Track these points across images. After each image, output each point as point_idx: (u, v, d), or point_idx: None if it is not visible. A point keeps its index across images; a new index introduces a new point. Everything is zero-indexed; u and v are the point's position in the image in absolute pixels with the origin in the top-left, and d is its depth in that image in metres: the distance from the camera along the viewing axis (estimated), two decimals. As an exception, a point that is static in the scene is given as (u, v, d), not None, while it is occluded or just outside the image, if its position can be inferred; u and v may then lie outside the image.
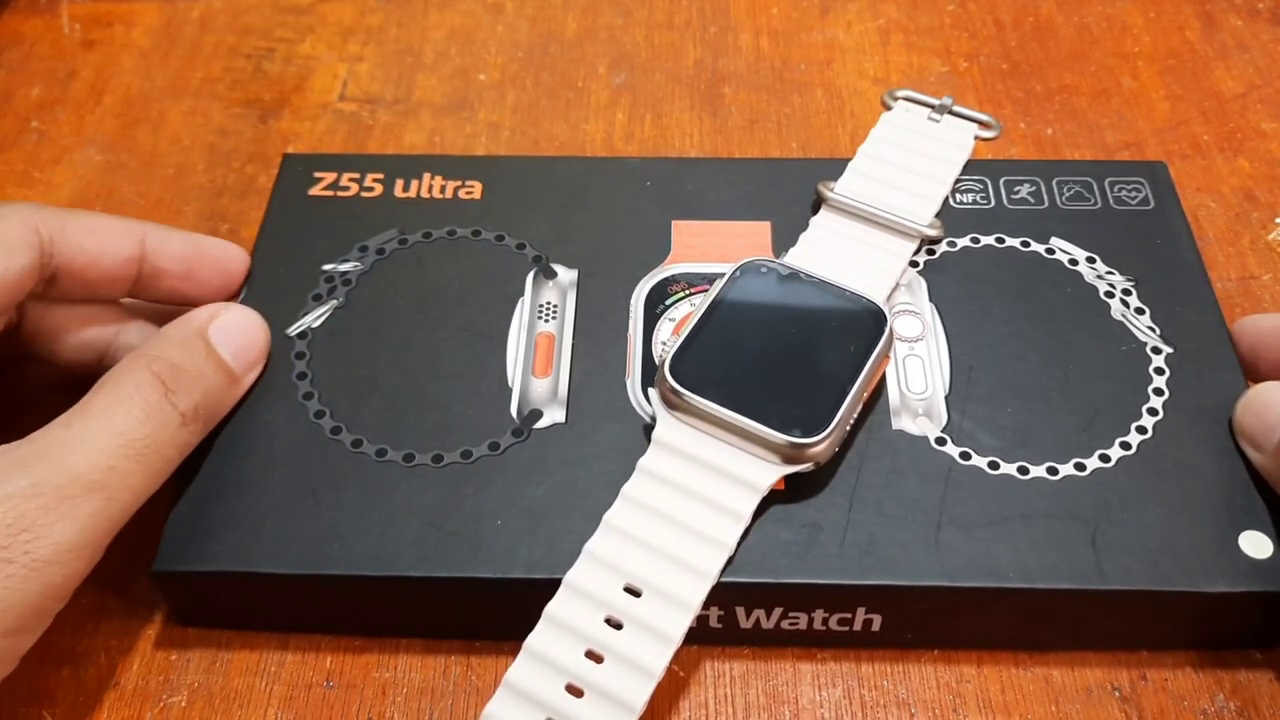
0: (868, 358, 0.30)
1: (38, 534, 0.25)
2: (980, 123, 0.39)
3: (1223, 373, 0.32)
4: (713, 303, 0.32)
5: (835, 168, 0.37)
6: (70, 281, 0.31)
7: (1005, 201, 0.37)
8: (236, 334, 0.31)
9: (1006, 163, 0.38)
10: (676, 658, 0.30)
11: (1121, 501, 0.29)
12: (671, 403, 0.30)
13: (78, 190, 0.43)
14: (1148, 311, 0.34)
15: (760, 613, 0.29)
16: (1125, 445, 0.31)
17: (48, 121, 0.46)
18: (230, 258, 0.34)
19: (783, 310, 0.32)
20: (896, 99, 0.40)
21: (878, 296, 0.32)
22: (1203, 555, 0.28)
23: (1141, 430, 0.31)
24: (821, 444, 0.28)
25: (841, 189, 0.36)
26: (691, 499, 0.28)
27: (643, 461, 0.29)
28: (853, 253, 0.34)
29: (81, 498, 0.26)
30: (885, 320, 0.31)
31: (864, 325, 0.31)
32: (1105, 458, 0.30)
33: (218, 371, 0.30)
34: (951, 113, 0.39)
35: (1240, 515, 0.29)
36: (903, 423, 0.31)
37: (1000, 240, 0.36)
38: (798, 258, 0.34)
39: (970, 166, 0.38)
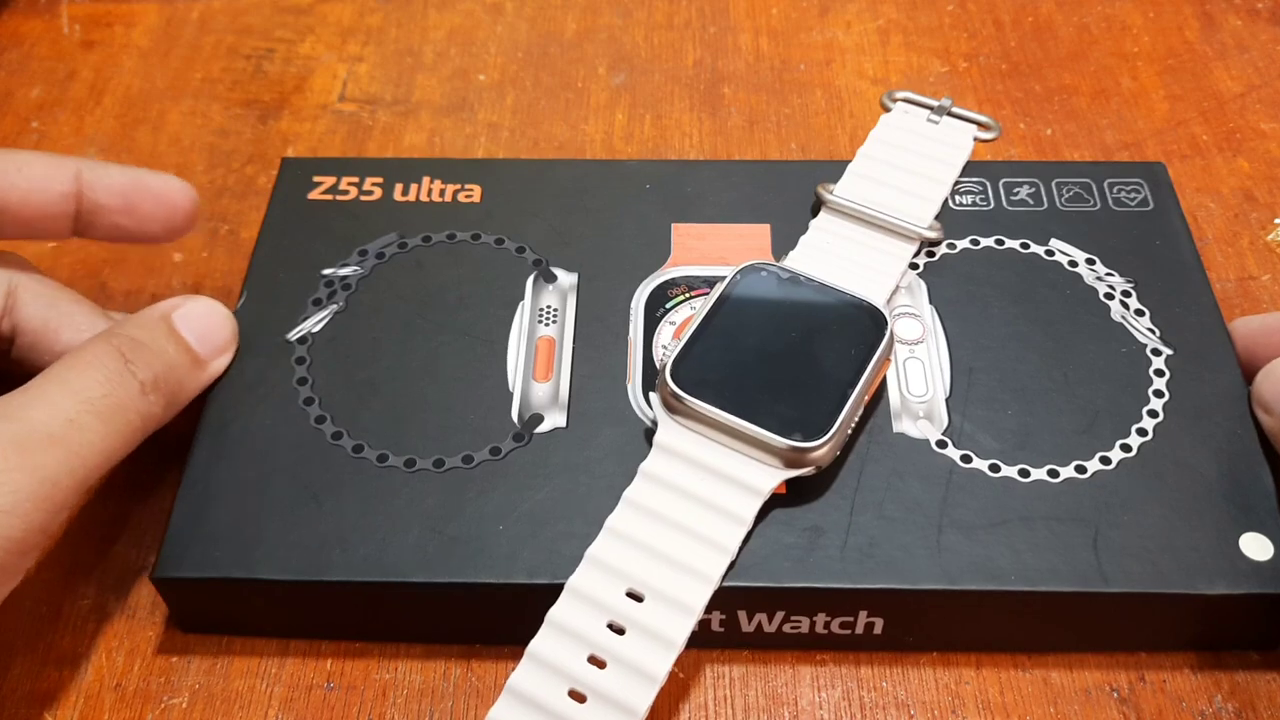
0: (868, 361, 0.30)
1: None
2: (979, 124, 0.39)
3: (1223, 374, 0.32)
4: (713, 306, 0.32)
5: (835, 169, 0.37)
6: (6, 220, 0.31)
7: (1004, 203, 0.37)
8: (200, 319, 0.32)
9: (1006, 164, 0.38)
10: (676, 660, 0.30)
11: (1122, 504, 0.29)
12: (673, 407, 0.30)
13: (77, 192, 0.43)
14: (1147, 313, 0.34)
15: (762, 616, 0.29)
16: (1126, 447, 0.31)
17: (47, 122, 0.46)
18: (173, 190, 0.33)
19: (783, 313, 0.32)
20: (895, 100, 0.40)
21: (878, 299, 0.32)
22: (1203, 557, 0.28)
23: (1142, 432, 0.31)
24: (823, 448, 0.29)
25: (841, 191, 0.36)
26: (693, 503, 0.28)
27: (644, 466, 0.29)
28: (852, 255, 0.34)
29: (39, 450, 0.26)
30: (886, 323, 0.31)
31: (865, 328, 0.31)
32: (1106, 460, 0.30)
33: (179, 350, 0.31)
34: (951, 114, 0.39)
35: (1241, 517, 0.29)
36: (903, 425, 0.31)
37: (1000, 242, 0.36)
38: (798, 260, 0.34)
39: (969, 168, 0.38)
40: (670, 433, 0.30)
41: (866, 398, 0.30)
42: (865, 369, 0.30)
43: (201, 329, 0.31)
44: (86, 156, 0.44)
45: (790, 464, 0.29)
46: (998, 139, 0.39)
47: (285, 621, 0.30)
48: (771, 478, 0.29)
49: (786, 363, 0.30)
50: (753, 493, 0.28)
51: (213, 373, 0.32)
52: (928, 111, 0.39)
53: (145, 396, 0.29)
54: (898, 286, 0.34)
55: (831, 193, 0.36)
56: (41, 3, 0.51)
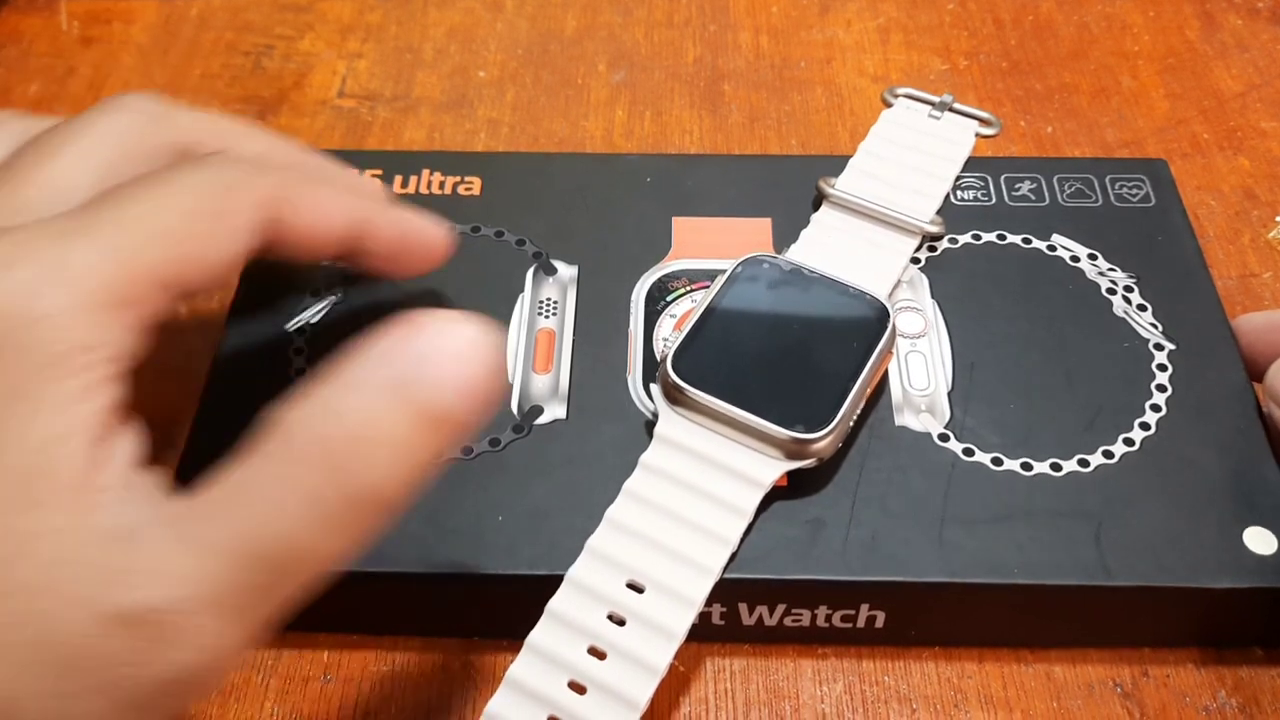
0: (870, 353, 0.30)
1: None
2: (980, 120, 0.39)
3: (1225, 369, 0.32)
4: (715, 298, 0.32)
5: (836, 164, 0.37)
6: (276, 250, 0.26)
7: (1006, 198, 0.37)
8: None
9: (1007, 160, 0.38)
10: (676, 653, 0.30)
11: (1125, 498, 0.29)
12: (674, 398, 0.29)
13: (75, 187, 0.43)
14: (1149, 308, 0.34)
15: (763, 609, 0.29)
16: (1129, 441, 0.30)
17: (45, 118, 0.46)
18: (435, 243, 0.30)
19: (785, 306, 0.32)
20: (897, 96, 0.40)
21: (880, 292, 0.32)
22: (1207, 551, 0.28)
23: (1145, 427, 0.31)
24: (825, 439, 0.28)
25: (842, 185, 0.36)
26: (694, 494, 0.28)
27: (645, 457, 0.29)
28: (854, 249, 0.34)
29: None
30: (888, 316, 0.31)
31: (867, 321, 0.31)
32: (1109, 454, 0.30)
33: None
34: (952, 110, 0.39)
35: (1245, 511, 0.29)
36: (905, 419, 0.31)
37: (1001, 237, 0.36)
38: (799, 253, 0.34)
39: (971, 163, 0.38)
40: (671, 424, 0.29)
41: (869, 390, 0.30)
42: (867, 362, 0.30)
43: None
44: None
45: (792, 456, 0.28)
46: (998, 135, 0.39)
47: (282, 614, 0.30)
48: (773, 470, 0.28)
49: (788, 355, 0.30)
50: (754, 485, 0.28)
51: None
52: (929, 107, 0.39)
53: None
54: (899, 280, 0.34)
55: (833, 187, 0.36)
56: (40, 0, 0.51)
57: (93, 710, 0.18)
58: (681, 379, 0.29)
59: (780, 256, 0.33)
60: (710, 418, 0.29)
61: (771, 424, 0.28)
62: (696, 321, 0.31)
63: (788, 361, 0.30)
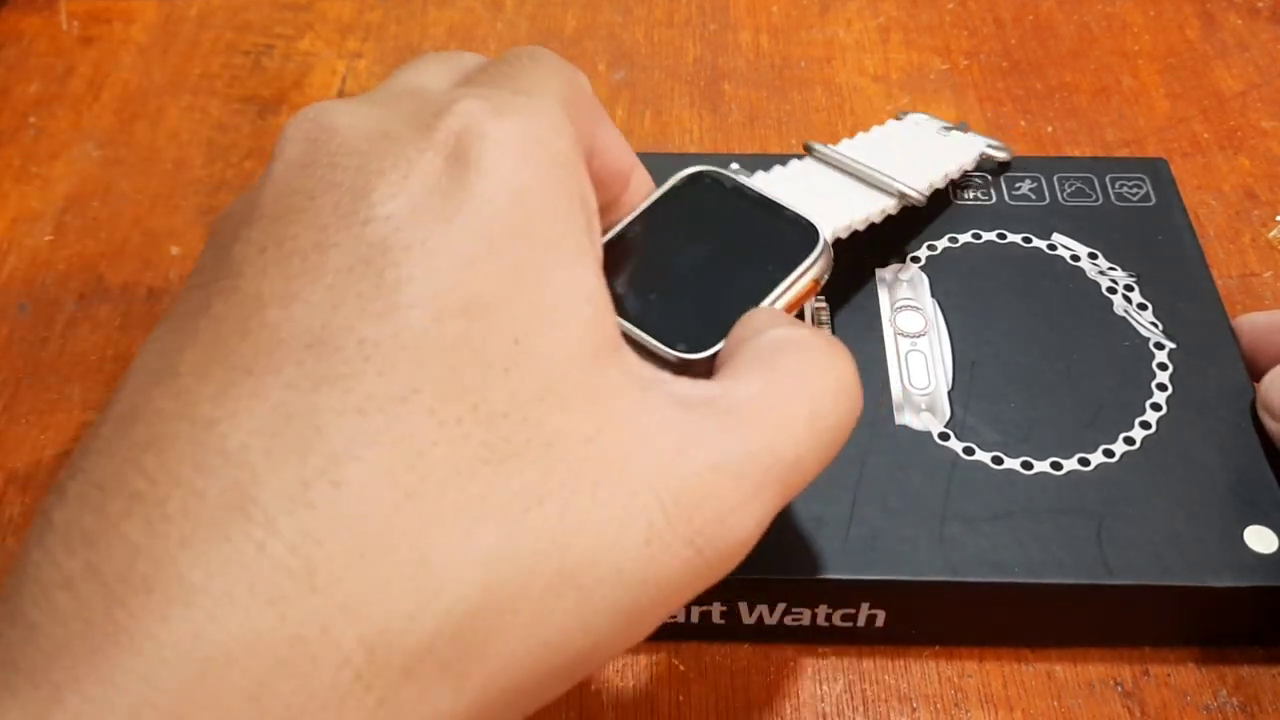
0: (785, 277, 0.27)
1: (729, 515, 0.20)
2: (992, 145, 0.38)
3: (1226, 368, 0.32)
4: (641, 213, 0.28)
5: (836, 163, 0.37)
6: (595, 179, 0.26)
7: (1006, 198, 0.37)
8: None
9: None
10: (677, 652, 0.30)
11: (1126, 496, 0.29)
12: None
13: (75, 186, 0.43)
14: (1150, 307, 0.33)
15: (763, 608, 0.29)
16: (1129, 440, 0.30)
17: (45, 117, 0.46)
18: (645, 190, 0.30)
19: (711, 223, 0.29)
20: (906, 114, 0.39)
21: (819, 220, 0.28)
22: (1208, 550, 0.28)
23: (1145, 425, 0.31)
24: (710, 361, 0.25)
25: (831, 148, 0.34)
26: None
27: None
28: (818, 188, 0.32)
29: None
30: (817, 240, 0.28)
31: (792, 244, 0.28)
32: (1109, 453, 0.30)
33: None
34: (965, 132, 0.38)
35: (1246, 510, 0.29)
36: (905, 418, 0.31)
37: (1002, 236, 0.36)
38: (756, 179, 0.30)
39: (972, 162, 0.38)
40: None
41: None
42: (777, 285, 0.27)
43: None
44: (84, 151, 0.44)
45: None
46: (1007, 161, 0.38)
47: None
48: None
49: (699, 273, 0.27)
50: None
51: None
52: (941, 123, 0.38)
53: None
54: (856, 229, 0.31)
55: (822, 145, 0.34)
56: (40, -2, 0.51)
57: (677, 563, 0.19)
58: None
59: (729, 173, 0.30)
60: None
61: (658, 342, 0.25)
62: (616, 234, 0.28)
63: (695, 280, 0.27)
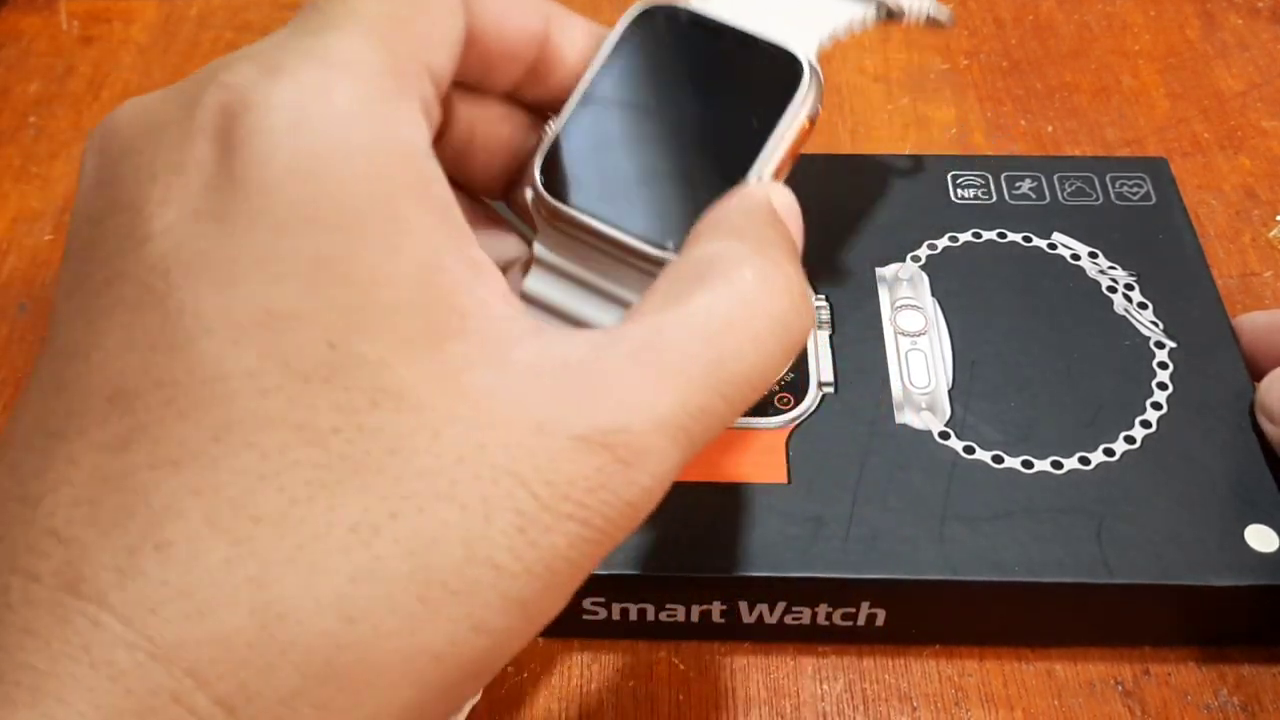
0: (770, 131, 0.22)
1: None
2: None
3: (1226, 367, 0.32)
4: (594, 76, 0.23)
5: (836, 163, 0.37)
6: (469, 54, 0.22)
7: (1007, 197, 0.37)
8: (793, 216, 0.22)
9: (1008, 158, 0.38)
10: (677, 651, 0.30)
11: (1126, 495, 0.29)
12: (545, 214, 0.23)
13: (75, 185, 0.43)
14: (1150, 306, 0.33)
15: (763, 608, 0.29)
16: (1130, 439, 0.30)
17: (45, 117, 0.46)
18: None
19: (675, 76, 0.24)
20: None
21: (798, 45, 0.23)
22: (1208, 549, 0.28)
23: (1146, 424, 0.31)
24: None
25: None
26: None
27: (527, 284, 0.23)
28: (787, 3, 0.26)
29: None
30: (800, 72, 0.23)
31: (771, 84, 0.23)
32: (1110, 452, 0.30)
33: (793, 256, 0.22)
34: None
35: (1246, 509, 0.29)
36: (906, 417, 0.31)
37: (1002, 235, 0.36)
38: (713, 3, 0.24)
39: (972, 161, 0.38)
40: (548, 243, 0.23)
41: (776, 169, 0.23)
42: (764, 145, 0.22)
43: (797, 230, 0.22)
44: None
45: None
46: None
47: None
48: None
49: (673, 145, 0.23)
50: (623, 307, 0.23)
51: None
52: None
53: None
54: (836, 38, 0.26)
55: None
56: (40, -2, 0.51)
57: (562, 542, 0.17)
58: (548, 191, 0.23)
59: (680, 4, 0.24)
60: (584, 233, 0.23)
61: (638, 241, 0.22)
62: (574, 109, 0.23)
63: (669, 154, 0.23)
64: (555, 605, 0.18)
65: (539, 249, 0.23)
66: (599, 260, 0.23)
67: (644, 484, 0.18)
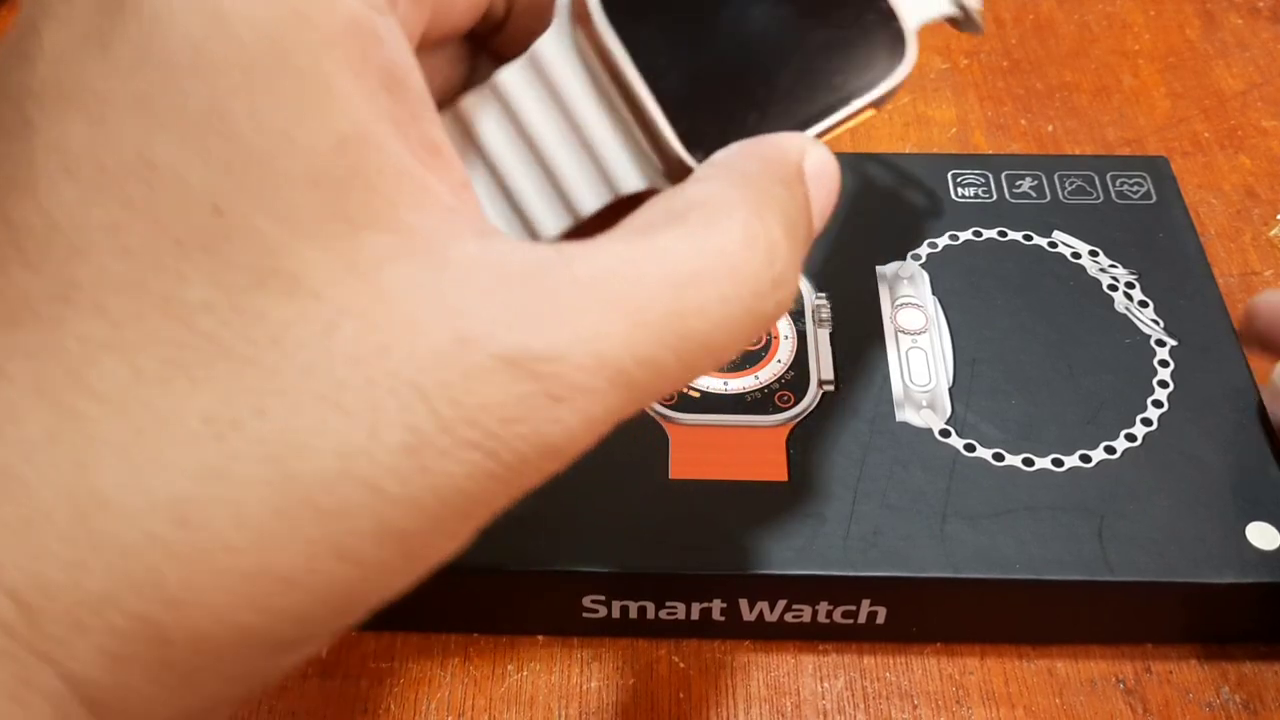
0: (847, 102, 0.20)
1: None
2: None
3: (1227, 365, 0.32)
4: None
5: (838, 161, 0.37)
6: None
7: (1007, 195, 0.37)
8: (828, 179, 0.20)
9: (1008, 157, 0.38)
10: (677, 649, 0.30)
11: (1127, 493, 0.29)
12: (580, 16, 0.19)
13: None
14: (1151, 304, 0.33)
15: (764, 605, 0.29)
16: (1130, 437, 0.30)
17: (44, 115, 0.46)
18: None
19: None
20: None
21: (911, 23, 0.21)
22: (1209, 547, 0.28)
23: (1147, 422, 0.31)
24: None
25: None
26: (540, 151, 0.20)
27: (502, 73, 0.19)
28: None
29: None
30: (902, 52, 0.21)
31: (868, 52, 0.21)
32: (1111, 450, 0.30)
33: (806, 221, 0.19)
34: None
35: (1247, 507, 0.29)
36: (907, 415, 0.31)
37: (1003, 234, 0.36)
38: None
39: (972, 160, 0.38)
40: (555, 46, 0.19)
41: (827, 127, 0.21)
42: (833, 111, 0.20)
43: (825, 198, 0.20)
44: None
45: (668, 174, 0.20)
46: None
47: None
48: (635, 180, 0.20)
49: (753, 53, 0.20)
50: (606, 187, 0.20)
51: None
52: None
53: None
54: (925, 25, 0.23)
55: None
56: None
57: (459, 472, 0.15)
58: (603, 4, 0.19)
59: None
60: (609, 75, 0.19)
61: (663, 121, 0.19)
62: None
63: (742, 59, 0.20)
64: (444, 546, 0.16)
65: (541, 43, 0.19)
66: (593, 121, 0.20)
67: (569, 425, 0.15)
